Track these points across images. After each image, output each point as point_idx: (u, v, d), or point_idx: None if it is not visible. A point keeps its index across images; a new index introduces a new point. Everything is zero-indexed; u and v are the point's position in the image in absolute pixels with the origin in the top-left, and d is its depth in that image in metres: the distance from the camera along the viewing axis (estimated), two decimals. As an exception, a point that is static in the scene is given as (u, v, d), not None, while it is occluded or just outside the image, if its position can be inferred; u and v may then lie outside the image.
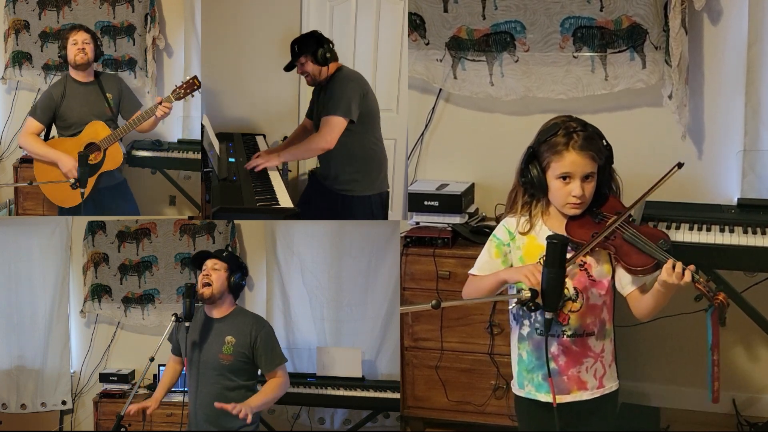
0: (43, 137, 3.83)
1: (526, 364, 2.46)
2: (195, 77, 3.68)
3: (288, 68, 3.90)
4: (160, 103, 3.66)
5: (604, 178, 2.37)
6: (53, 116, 3.78)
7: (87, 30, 3.80)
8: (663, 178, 2.35)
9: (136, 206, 4.10)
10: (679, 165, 2.35)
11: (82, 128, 3.75)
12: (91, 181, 3.69)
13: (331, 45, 3.82)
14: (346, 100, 3.71)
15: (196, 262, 3.13)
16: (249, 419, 2.75)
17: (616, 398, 2.51)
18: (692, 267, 2.18)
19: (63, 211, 3.89)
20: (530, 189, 2.40)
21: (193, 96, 3.74)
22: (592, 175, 2.32)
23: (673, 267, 2.17)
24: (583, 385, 2.42)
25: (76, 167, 3.63)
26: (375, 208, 3.94)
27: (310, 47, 3.78)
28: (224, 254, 3.11)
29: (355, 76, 3.84)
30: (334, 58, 3.81)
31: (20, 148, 4.13)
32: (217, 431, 2.99)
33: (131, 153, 4.35)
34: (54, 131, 3.88)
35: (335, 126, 3.70)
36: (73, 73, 3.79)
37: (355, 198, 3.90)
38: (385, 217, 4.09)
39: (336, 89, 3.75)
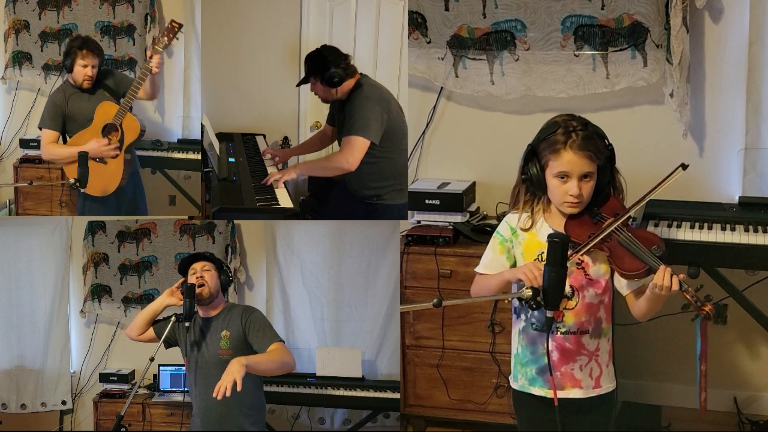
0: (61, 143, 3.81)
1: (521, 357, 2.47)
2: (172, 20, 3.60)
3: (301, 83, 3.79)
4: (151, 58, 3.59)
5: (605, 178, 2.37)
6: (63, 121, 3.76)
7: (94, 49, 3.72)
8: (666, 179, 2.35)
9: (145, 203, 4.08)
10: (684, 166, 2.34)
11: (88, 122, 3.72)
12: (119, 161, 3.70)
13: (347, 61, 3.65)
14: (367, 121, 3.56)
15: (182, 268, 3.12)
16: (239, 382, 2.59)
17: (614, 398, 2.50)
18: (682, 276, 2.20)
19: (85, 211, 3.86)
20: (530, 186, 2.40)
21: (177, 39, 3.63)
22: (591, 174, 2.32)
23: (663, 277, 2.19)
24: (577, 383, 2.41)
25: (103, 144, 3.64)
26: (402, 215, 3.86)
27: (319, 70, 3.63)
28: (208, 255, 3.15)
29: (377, 95, 3.66)
30: (351, 75, 3.66)
31: (47, 161, 4.10)
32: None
33: (131, 153, 4.35)
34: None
35: (357, 147, 3.56)
36: (72, 80, 3.78)
37: (384, 206, 3.79)
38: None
39: (357, 109, 3.60)
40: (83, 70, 3.70)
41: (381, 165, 3.68)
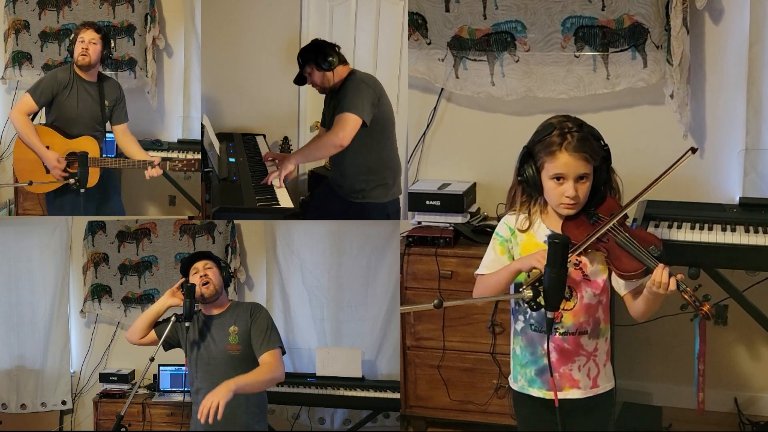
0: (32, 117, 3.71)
1: (520, 359, 2.48)
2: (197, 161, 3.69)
3: (299, 82, 3.81)
4: (155, 165, 3.59)
5: (601, 178, 2.37)
6: (51, 101, 3.68)
7: (98, 29, 3.70)
8: (676, 162, 2.32)
9: (120, 202, 4.04)
10: (693, 150, 2.32)
11: (69, 124, 3.68)
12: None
13: (336, 49, 3.70)
14: (359, 99, 3.56)
15: (183, 268, 3.12)
16: (221, 407, 2.55)
17: (612, 398, 2.51)
18: (680, 276, 2.20)
19: (53, 209, 3.83)
20: (526, 188, 2.41)
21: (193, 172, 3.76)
22: (587, 176, 2.32)
23: (660, 275, 2.18)
24: (575, 384, 2.42)
25: (58, 165, 3.60)
26: (389, 214, 3.87)
27: (311, 56, 3.69)
28: (207, 253, 3.15)
29: (369, 79, 3.71)
30: (341, 61, 3.70)
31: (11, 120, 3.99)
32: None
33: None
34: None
35: (348, 123, 3.52)
36: (77, 70, 3.74)
37: (368, 204, 3.80)
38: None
39: (349, 90, 3.62)
40: (80, 45, 3.66)
41: (366, 155, 3.68)
